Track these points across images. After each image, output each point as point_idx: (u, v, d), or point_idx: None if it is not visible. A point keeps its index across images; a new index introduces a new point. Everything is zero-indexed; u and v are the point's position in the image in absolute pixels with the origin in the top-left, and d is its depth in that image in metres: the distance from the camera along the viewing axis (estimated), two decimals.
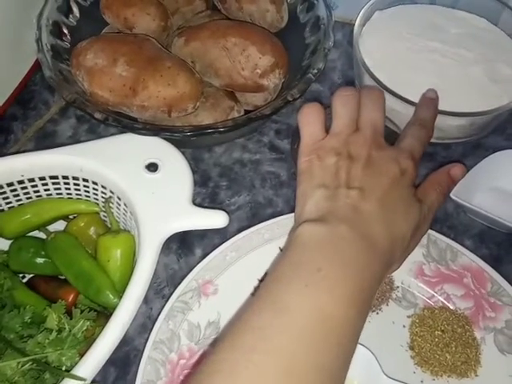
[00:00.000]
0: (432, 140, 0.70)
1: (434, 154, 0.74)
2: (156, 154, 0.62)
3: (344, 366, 0.44)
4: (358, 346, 0.54)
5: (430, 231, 0.63)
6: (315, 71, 0.67)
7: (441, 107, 0.65)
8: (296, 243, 0.48)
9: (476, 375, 0.57)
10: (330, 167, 0.53)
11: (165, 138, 0.63)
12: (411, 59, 0.73)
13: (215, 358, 0.42)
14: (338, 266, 0.46)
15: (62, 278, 0.62)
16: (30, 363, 0.51)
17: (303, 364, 0.41)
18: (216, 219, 0.59)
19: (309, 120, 0.58)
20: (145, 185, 0.60)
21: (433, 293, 0.61)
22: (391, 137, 0.59)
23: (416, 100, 0.66)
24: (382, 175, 0.53)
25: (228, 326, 0.58)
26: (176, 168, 0.61)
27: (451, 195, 0.65)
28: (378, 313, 0.60)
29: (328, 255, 0.46)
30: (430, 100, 0.64)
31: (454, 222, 0.68)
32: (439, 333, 0.58)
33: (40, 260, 0.62)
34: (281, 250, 0.62)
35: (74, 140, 0.74)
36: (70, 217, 0.66)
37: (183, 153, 0.63)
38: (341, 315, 0.44)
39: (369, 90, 0.60)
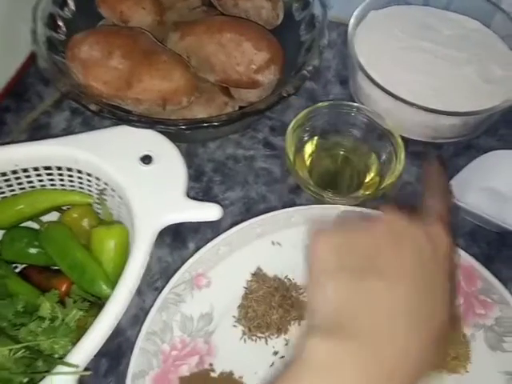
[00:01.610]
0: (424, 139, 0.72)
1: (426, 153, 0.74)
2: (150, 146, 0.62)
3: None
4: None
5: None
6: (310, 68, 0.67)
7: (433, 106, 0.66)
8: (297, 364, 0.40)
9: (466, 371, 0.57)
10: (344, 249, 0.45)
11: (159, 132, 0.63)
12: (405, 59, 0.73)
13: None
14: None
15: (55, 268, 0.62)
16: (23, 351, 0.51)
17: None
18: (210, 212, 0.59)
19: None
20: (139, 177, 0.60)
21: None
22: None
23: (409, 99, 0.67)
24: (410, 255, 0.44)
25: None
26: (170, 160, 0.61)
27: None
28: None
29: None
30: (436, 169, 0.56)
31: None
32: None
33: (33, 250, 0.61)
34: (273, 244, 0.63)
35: (68, 133, 0.74)
36: (64, 208, 0.66)
37: (177, 147, 0.63)
38: None
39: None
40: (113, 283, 0.57)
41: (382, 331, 0.40)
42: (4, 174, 0.62)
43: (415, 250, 0.43)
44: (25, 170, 0.62)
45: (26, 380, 0.51)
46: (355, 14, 0.76)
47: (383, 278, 0.42)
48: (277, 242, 0.63)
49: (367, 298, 0.41)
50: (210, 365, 0.57)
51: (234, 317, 0.60)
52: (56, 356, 0.51)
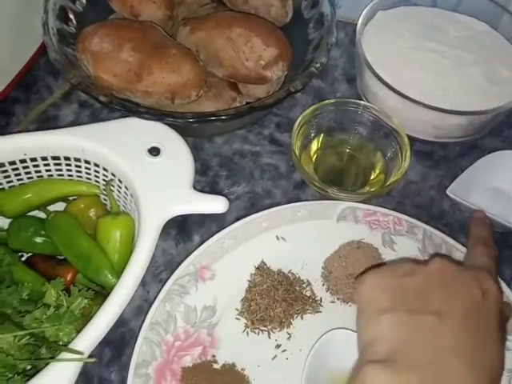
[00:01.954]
0: (430, 139, 0.72)
1: (431, 153, 0.75)
2: (158, 138, 0.62)
3: None
4: (353, 334, 0.55)
5: (425, 226, 0.64)
6: (318, 65, 0.67)
7: (440, 105, 0.67)
8: None
9: None
10: (396, 286, 0.47)
11: (167, 124, 0.64)
12: (412, 58, 0.74)
13: None
14: None
15: (61, 257, 0.63)
16: (27, 337, 0.51)
17: None
18: (216, 204, 0.59)
19: None
20: (146, 168, 0.60)
21: None
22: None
23: (416, 98, 0.67)
24: (461, 297, 0.45)
25: None
26: (178, 153, 0.62)
27: (447, 192, 0.66)
28: None
29: None
30: (480, 219, 0.61)
31: (450, 220, 0.69)
32: None
33: (39, 239, 0.62)
34: (277, 239, 0.63)
35: (76, 125, 0.74)
36: (71, 198, 0.66)
37: (185, 141, 0.64)
38: None
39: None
40: (118, 273, 0.57)
41: (443, 366, 0.41)
42: (13, 163, 0.62)
43: (466, 295, 0.45)
44: (33, 160, 0.62)
45: (29, 367, 0.52)
46: (363, 13, 0.76)
47: (436, 314, 0.43)
48: (281, 237, 0.63)
49: (422, 332, 0.43)
50: (213, 356, 0.57)
51: (237, 309, 0.60)
52: (60, 343, 0.51)
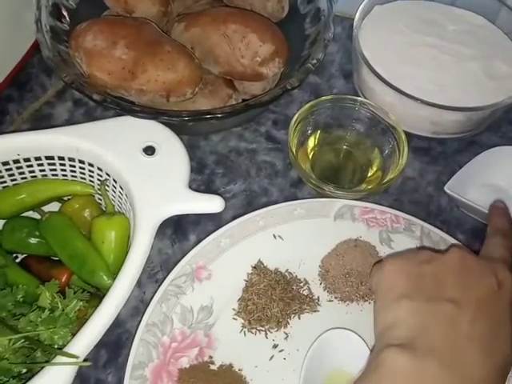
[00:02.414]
0: (428, 135, 0.72)
1: (429, 149, 0.74)
2: (153, 137, 0.62)
3: None
4: (351, 333, 0.55)
5: (423, 223, 0.63)
6: (314, 61, 0.67)
7: (438, 101, 0.66)
8: (378, 372, 0.43)
9: None
10: (415, 273, 0.48)
11: (162, 123, 0.63)
12: (409, 53, 0.73)
13: None
14: None
15: (56, 258, 0.62)
16: (22, 341, 0.50)
17: None
18: (212, 204, 0.59)
19: None
20: (141, 168, 0.60)
21: None
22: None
23: (413, 93, 0.67)
24: (477, 286, 0.47)
25: None
26: (173, 152, 0.61)
27: (445, 189, 0.66)
28: (370, 302, 0.60)
29: None
30: (500, 209, 0.61)
31: (447, 217, 0.69)
32: None
33: (33, 240, 0.61)
34: (274, 238, 0.63)
35: (71, 123, 0.73)
36: (65, 198, 0.65)
37: (180, 140, 0.63)
38: None
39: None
40: (113, 274, 0.57)
41: (460, 351, 0.43)
42: (6, 163, 0.61)
43: (482, 285, 0.47)
44: (26, 160, 0.62)
45: (24, 370, 0.51)
46: (360, 8, 0.75)
47: (453, 302, 0.45)
48: (278, 236, 0.63)
49: (439, 319, 0.44)
50: (210, 357, 0.57)
51: (234, 309, 0.59)
52: (55, 346, 0.51)
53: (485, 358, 0.43)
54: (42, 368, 0.48)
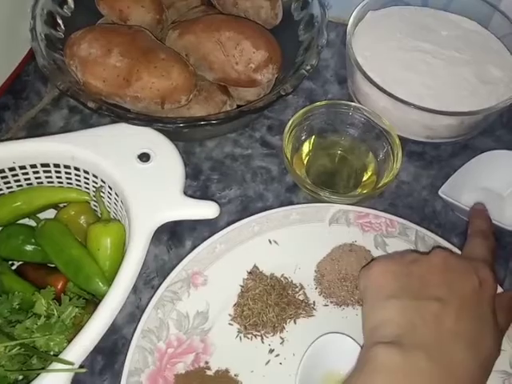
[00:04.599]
0: (422, 139, 0.72)
1: (423, 153, 0.74)
2: (148, 144, 0.62)
3: None
4: (347, 338, 0.55)
5: (418, 228, 0.64)
6: (308, 67, 0.67)
7: (431, 106, 0.67)
8: (367, 369, 0.45)
9: None
10: (401, 274, 0.50)
11: (157, 130, 0.63)
12: (403, 59, 0.74)
13: None
14: None
15: (51, 265, 0.62)
16: (18, 348, 0.51)
17: None
18: (207, 210, 0.59)
19: None
20: (136, 175, 0.60)
21: None
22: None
23: (406, 98, 0.67)
24: (460, 285, 0.48)
25: None
26: (168, 159, 0.61)
27: (440, 193, 0.66)
28: None
29: None
30: (481, 211, 0.63)
31: (442, 221, 0.69)
32: None
33: (29, 247, 0.62)
34: (270, 243, 0.63)
35: (66, 131, 0.73)
36: (61, 206, 0.66)
37: (175, 146, 0.63)
38: None
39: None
40: (109, 281, 0.57)
41: (447, 346, 0.45)
42: (1, 171, 0.62)
43: (465, 283, 0.49)
44: (22, 167, 0.62)
45: (20, 377, 0.52)
46: (354, 14, 0.76)
47: (438, 300, 0.47)
48: (274, 241, 0.63)
49: (426, 316, 0.46)
50: (206, 363, 0.57)
51: (229, 315, 0.60)
52: (51, 353, 0.51)
53: (470, 353, 0.45)
54: (38, 375, 0.48)
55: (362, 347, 0.55)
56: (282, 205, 0.67)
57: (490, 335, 0.47)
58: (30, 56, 0.79)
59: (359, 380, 0.45)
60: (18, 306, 0.55)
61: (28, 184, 0.64)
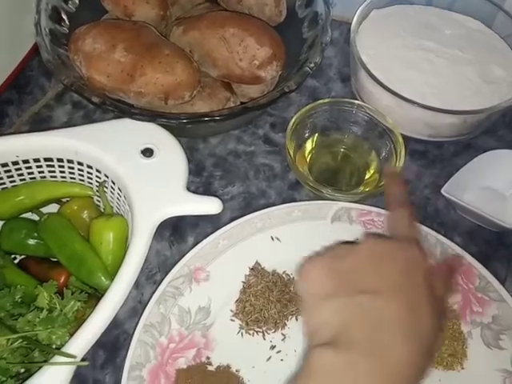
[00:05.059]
0: (424, 138, 0.72)
1: (426, 151, 0.75)
2: (152, 139, 0.62)
3: None
4: None
5: (420, 226, 0.63)
6: (312, 65, 0.67)
7: (434, 105, 0.67)
8: (305, 373, 0.44)
9: (462, 368, 0.57)
10: (332, 271, 0.48)
11: (161, 125, 0.63)
12: (406, 57, 0.74)
13: None
14: None
15: (54, 259, 0.63)
16: (20, 341, 0.51)
17: None
18: (210, 205, 0.59)
19: None
20: (140, 170, 0.60)
21: None
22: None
23: (410, 97, 0.67)
24: (389, 271, 0.47)
25: None
26: (171, 154, 0.62)
27: (442, 192, 0.66)
28: None
29: None
30: (393, 178, 0.60)
31: (445, 220, 0.69)
32: None
33: (32, 241, 0.62)
34: (272, 239, 0.63)
35: (69, 126, 0.74)
36: (64, 200, 0.66)
37: (178, 142, 0.64)
38: None
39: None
40: (111, 275, 0.57)
41: (381, 340, 0.43)
42: (5, 165, 0.62)
43: (394, 268, 0.47)
44: (26, 162, 0.62)
45: (22, 370, 0.52)
46: (358, 12, 0.76)
47: (370, 293, 0.45)
48: (276, 237, 0.63)
49: (359, 312, 0.45)
50: (207, 358, 0.57)
51: (231, 311, 0.60)
52: (53, 346, 0.51)
53: (405, 340, 0.44)
54: (40, 368, 0.48)
55: None
56: (284, 202, 0.67)
57: (425, 314, 0.46)
58: (34, 51, 0.79)
59: None
60: (20, 300, 0.55)
61: (31, 178, 0.64)
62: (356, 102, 0.71)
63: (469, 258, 0.62)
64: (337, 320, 0.45)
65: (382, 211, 0.65)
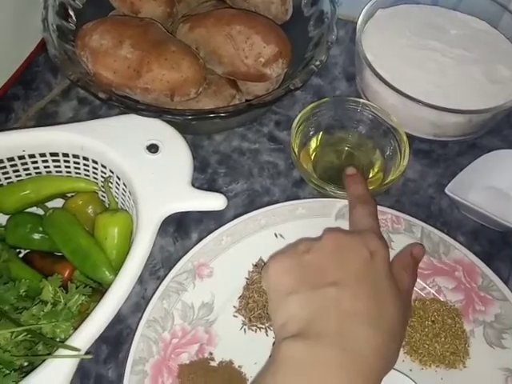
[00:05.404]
0: (429, 137, 0.72)
1: (430, 151, 0.75)
2: (157, 135, 0.62)
3: None
4: None
5: (423, 225, 0.64)
6: (317, 63, 0.67)
7: (439, 104, 0.67)
8: (274, 365, 0.45)
9: (464, 366, 0.57)
10: (296, 266, 0.50)
11: (166, 122, 0.64)
12: (412, 57, 0.74)
13: None
14: None
15: (59, 254, 0.63)
16: (24, 334, 0.51)
17: None
18: (215, 201, 0.59)
19: None
20: (145, 165, 0.60)
21: (424, 285, 0.61)
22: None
23: (415, 96, 0.67)
24: (352, 262, 0.49)
25: None
26: (176, 150, 0.62)
27: (446, 191, 0.66)
28: None
29: (309, 379, 0.43)
30: (353, 176, 0.63)
31: (448, 219, 0.69)
32: (429, 323, 0.58)
33: (37, 236, 0.62)
34: (276, 236, 0.63)
35: (75, 122, 0.74)
36: (69, 195, 0.66)
37: (183, 138, 0.64)
38: None
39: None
40: (115, 270, 0.58)
41: (347, 330, 0.45)
42: (11, 159, 0.62)
43: (356, 260, 0.49)
44: (31, 156, 0.62)
45: (26, 363, 0.52)
46: (363, 11, 0.76)
47: (334, 284, 0.47)
48: (279, 234, 0.63)
49: (325, 304, 0.46)
50: (210, 354, 0.57)
51: (234, 307, 0.60)
52: (57, 340, 0.51)
53: (371, 329, 0.45)
54: (44, 361, 0.49)
55: None
56: (288, 199, 0.67)
57: (391, 304, 0.47)
58: (41, 47, 0.79)
59: (265, 379, 0.45)
60: (24, 293, 0.56)
61: (37, 173, 0.64)
62: (361, 100, 0.71)
63: (472, 257, 0.62)
64: (305, 312, 0.46)
65: (386, 210, 0.65)
